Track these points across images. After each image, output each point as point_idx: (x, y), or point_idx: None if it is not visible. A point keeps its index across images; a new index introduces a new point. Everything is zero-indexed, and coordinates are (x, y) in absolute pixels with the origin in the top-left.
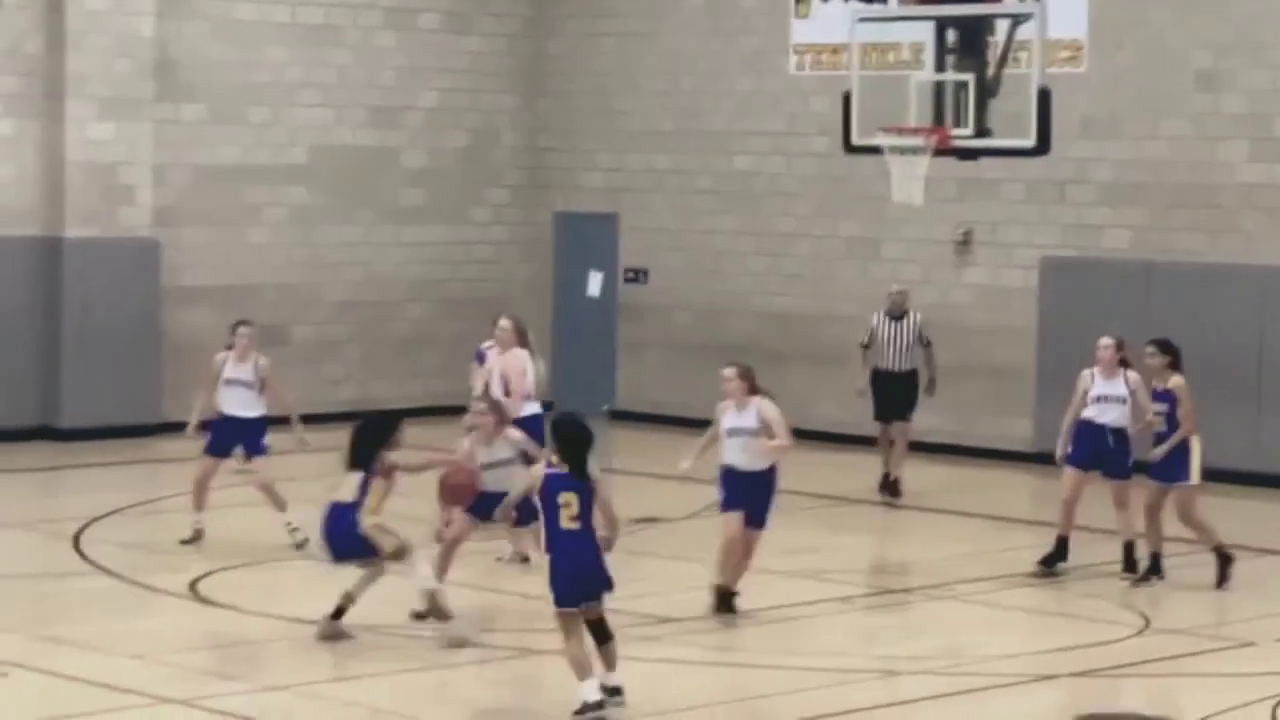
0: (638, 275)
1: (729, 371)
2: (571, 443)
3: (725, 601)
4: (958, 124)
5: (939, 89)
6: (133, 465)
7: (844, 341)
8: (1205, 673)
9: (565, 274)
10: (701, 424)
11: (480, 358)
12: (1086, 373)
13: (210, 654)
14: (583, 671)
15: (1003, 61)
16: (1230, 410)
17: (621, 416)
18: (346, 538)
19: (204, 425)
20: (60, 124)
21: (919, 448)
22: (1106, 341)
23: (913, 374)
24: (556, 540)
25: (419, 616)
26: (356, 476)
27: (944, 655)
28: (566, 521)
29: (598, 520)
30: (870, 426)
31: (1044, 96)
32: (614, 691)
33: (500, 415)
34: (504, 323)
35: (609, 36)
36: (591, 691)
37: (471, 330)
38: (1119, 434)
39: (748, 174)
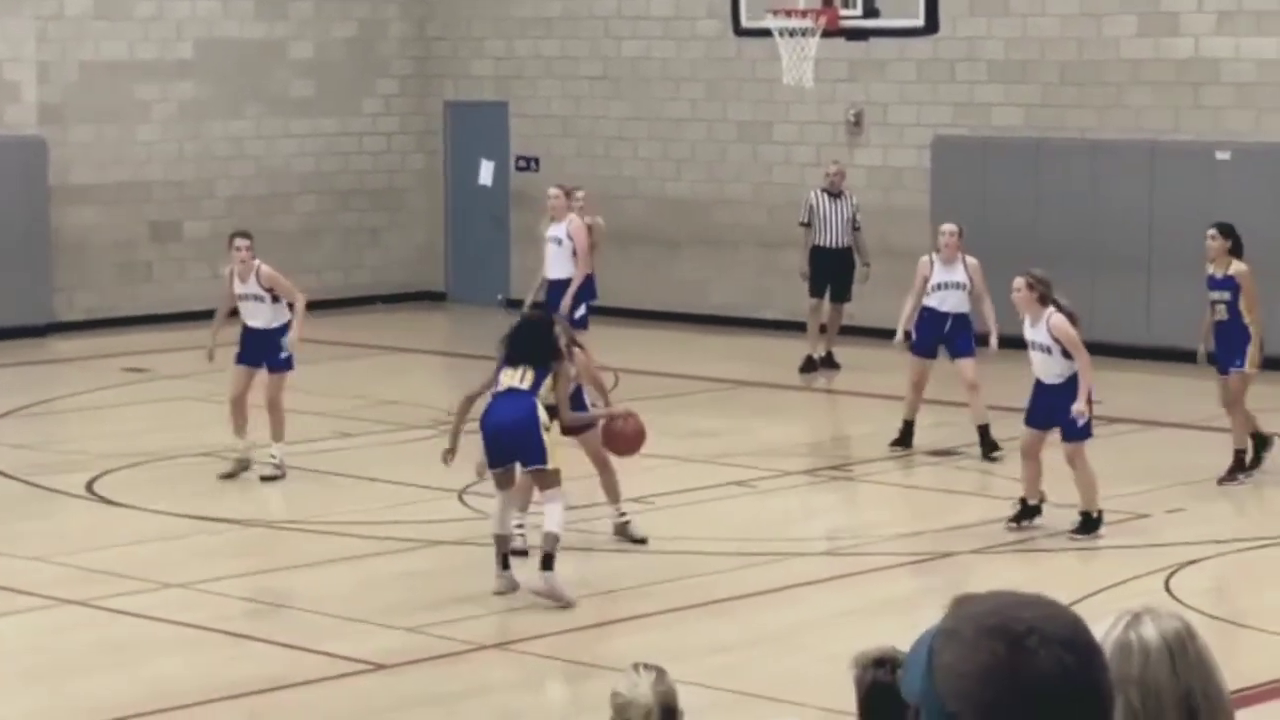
0: (529, 163)
1: (1017, 282)
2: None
3: (1027, 512)
4: (846, 5)
5: None
6: (26, 366)
7: (736, 225)
8: (1100, 546)
9: (456, 163)
10: (597, 311)
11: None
12: (925, 259)
13: (108, 553)
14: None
15: None
16: (1121, 284)
17: (516, 305)
18: (528, 427)
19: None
20: None
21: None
22: (950, 228)
23: (850, 252)
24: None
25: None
26: (529, 370)
27: (845, 536)
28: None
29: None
30: (767, 309)
31: None
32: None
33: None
34: (554, 190)
35: None
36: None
37: (364, 222)
38: (959, 319)
39: (636, 59)
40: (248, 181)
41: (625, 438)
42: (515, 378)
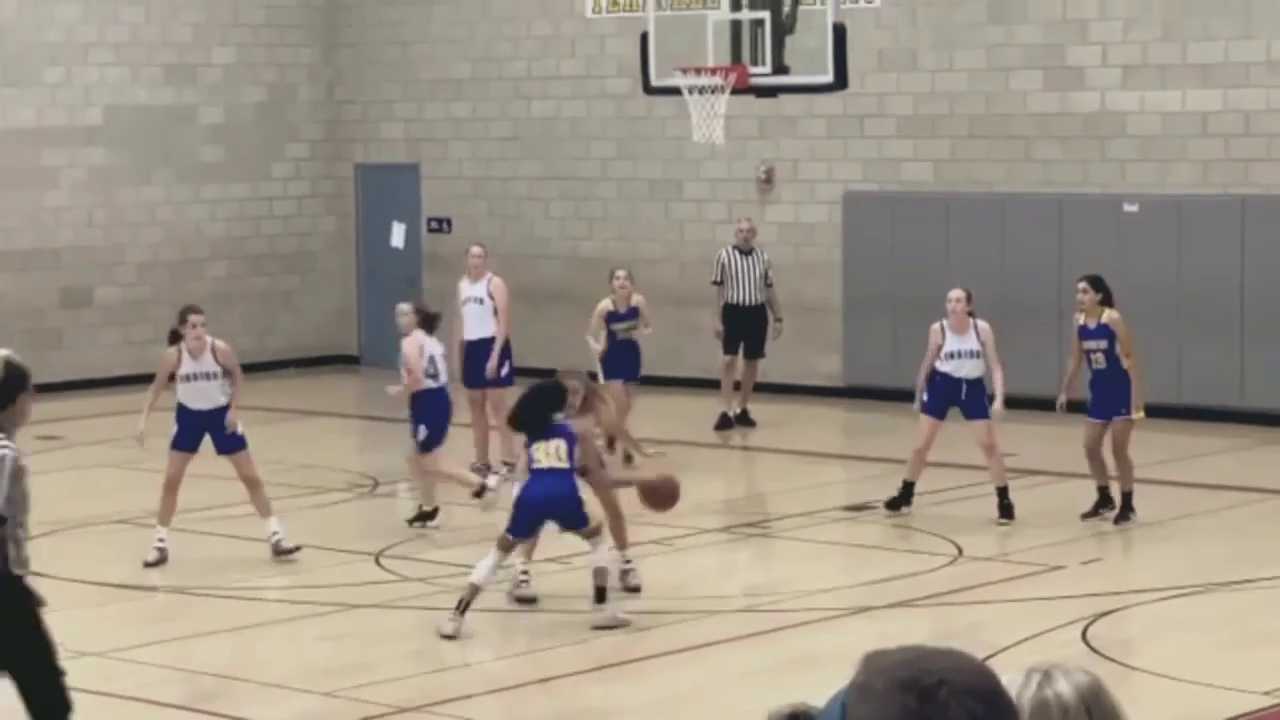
0: (441, 225)
1: None
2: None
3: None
4: (756, 62)
5: (736, 27)
6: None
7: (649, 283)
8: (1017, 598)
9: (368, 226)
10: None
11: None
12: (937, 326)
13: None
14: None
15: None
16: (1031, 337)
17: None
18: (572, 503)
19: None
20: None
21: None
22: (958, 294)
23: (763, 309)
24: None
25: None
26: (560, 444)
27: (762, 593)
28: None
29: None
30: (681, 367)
31: (839, 32)
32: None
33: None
34: (477, 250)
35: None
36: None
37: (275, 286)
38: (974, 384)
39: (547, 119)
40: (158, 247)
41: (662, 494)
42: (551, 455)
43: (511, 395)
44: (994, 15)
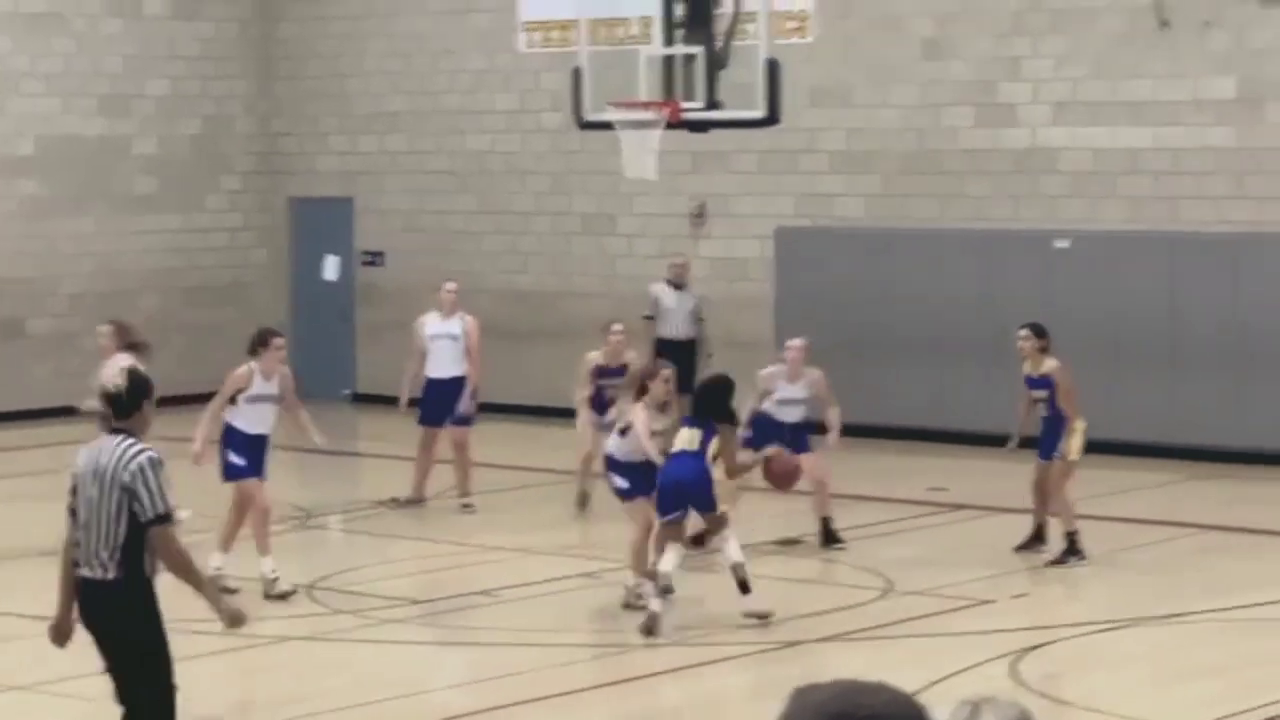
0: (374, 258)
1: None
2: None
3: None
4: (688, 97)
5: (669, 62)
6: None
7: (582, 317)
8: (946, 632)
9: (301, 259)
10: None
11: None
12: (767, 372)
13: None
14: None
15: (731, 33)
16: (963, 372)
17: (362, 399)
18: (703, 484)
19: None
20: None
21: None
22: (798, 344)
23: (693, 343)
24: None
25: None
26: (696, 432)
27: (692, 627)
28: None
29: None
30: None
31: (772, 67)
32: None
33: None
34: (451, 285)
35: (339, 19)
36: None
37: (209, 318)
38: (796, 426)
39: (481, 153)
40: (91, 279)
41: (784, 474)
42: (688, 440)
43: (475, 434)
44: (926, 52)
